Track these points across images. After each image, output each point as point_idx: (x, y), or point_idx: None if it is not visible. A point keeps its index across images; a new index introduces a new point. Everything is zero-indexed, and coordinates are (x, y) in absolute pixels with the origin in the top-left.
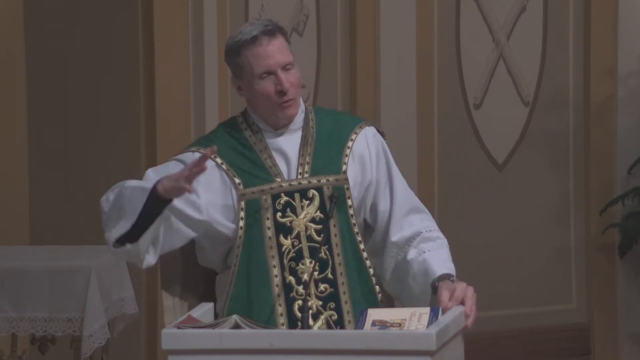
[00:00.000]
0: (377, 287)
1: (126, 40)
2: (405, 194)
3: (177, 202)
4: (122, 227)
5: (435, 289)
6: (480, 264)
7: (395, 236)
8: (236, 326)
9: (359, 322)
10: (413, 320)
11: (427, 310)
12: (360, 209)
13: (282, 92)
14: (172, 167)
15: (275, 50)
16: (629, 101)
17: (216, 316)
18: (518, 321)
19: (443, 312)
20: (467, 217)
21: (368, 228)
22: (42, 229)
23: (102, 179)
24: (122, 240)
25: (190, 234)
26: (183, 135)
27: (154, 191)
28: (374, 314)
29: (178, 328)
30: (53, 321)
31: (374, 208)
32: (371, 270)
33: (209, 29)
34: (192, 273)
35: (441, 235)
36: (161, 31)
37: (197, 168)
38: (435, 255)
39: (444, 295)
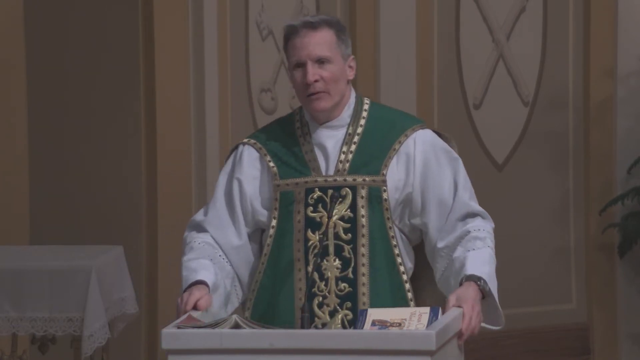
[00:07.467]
0: (410, 294)
1: (126, 40)
2: (458, 201)
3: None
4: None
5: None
6: None
7: (444, 241)
8: (236, 326)
9: (359, 322)
10: (413, 320)
11: (427, 310)
12: (404, 214)
13: (307, 85)
14: (230, 167)
15: (310, 43)
16: (628, 101)
17: (245, 302)
18: (518, 321)
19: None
20: None
21: (418, 231)
22: (42, 229)
23: (102, 179)
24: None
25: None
26: (183, 136)
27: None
28: (374, 313)
29: (178, 328)
30: (53, 321)
31: (423, 215)
32: (404, 276)
33: (209, 29)
34: None
35: (490, 236)
36: (161, 31)
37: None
38: (476, 255)
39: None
